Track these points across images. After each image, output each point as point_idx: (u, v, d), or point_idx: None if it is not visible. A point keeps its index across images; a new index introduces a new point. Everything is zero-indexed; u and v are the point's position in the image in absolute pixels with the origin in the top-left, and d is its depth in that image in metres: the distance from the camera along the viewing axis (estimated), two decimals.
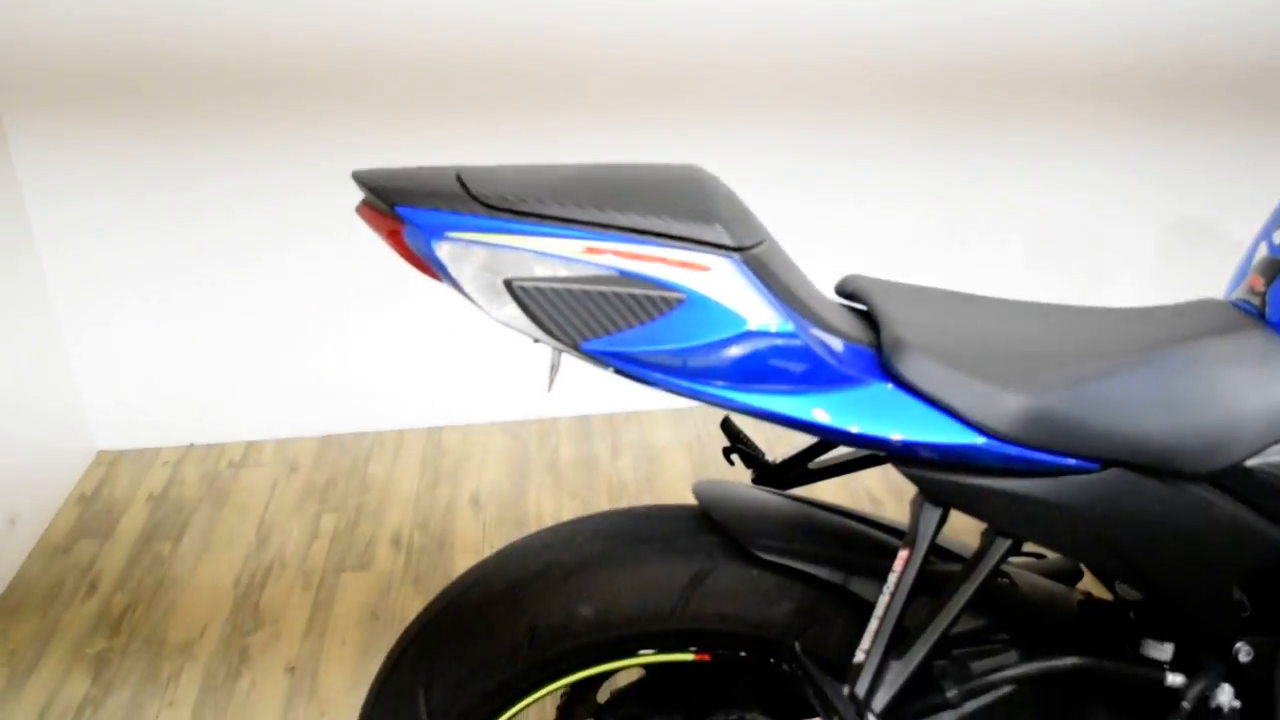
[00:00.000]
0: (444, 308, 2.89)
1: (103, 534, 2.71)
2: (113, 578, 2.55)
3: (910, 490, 1.14)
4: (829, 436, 1.02)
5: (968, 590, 1.09)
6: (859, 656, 1.07)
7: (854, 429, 1.00)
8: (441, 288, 2.81)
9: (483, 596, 1.22)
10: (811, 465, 1.37)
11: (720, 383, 0.97)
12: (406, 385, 2.98)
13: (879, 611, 1.08)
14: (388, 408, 3.00)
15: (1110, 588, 1.26)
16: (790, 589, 1.16)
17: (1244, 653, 1.14)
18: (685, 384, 0.97)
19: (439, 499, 2.75)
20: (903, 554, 1.09)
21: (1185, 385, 1.06)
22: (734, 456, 1.38)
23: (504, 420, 3.05)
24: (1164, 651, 1.18)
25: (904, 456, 1.07)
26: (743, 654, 1.18)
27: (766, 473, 1.34)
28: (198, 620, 2.39)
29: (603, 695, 1.40)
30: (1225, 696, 1.13)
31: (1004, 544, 1.10)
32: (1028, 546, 1.38)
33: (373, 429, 3.03)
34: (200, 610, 2.43)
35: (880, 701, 1.05)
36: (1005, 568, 1.27)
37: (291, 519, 2.71)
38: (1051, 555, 1.40)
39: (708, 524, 1.21)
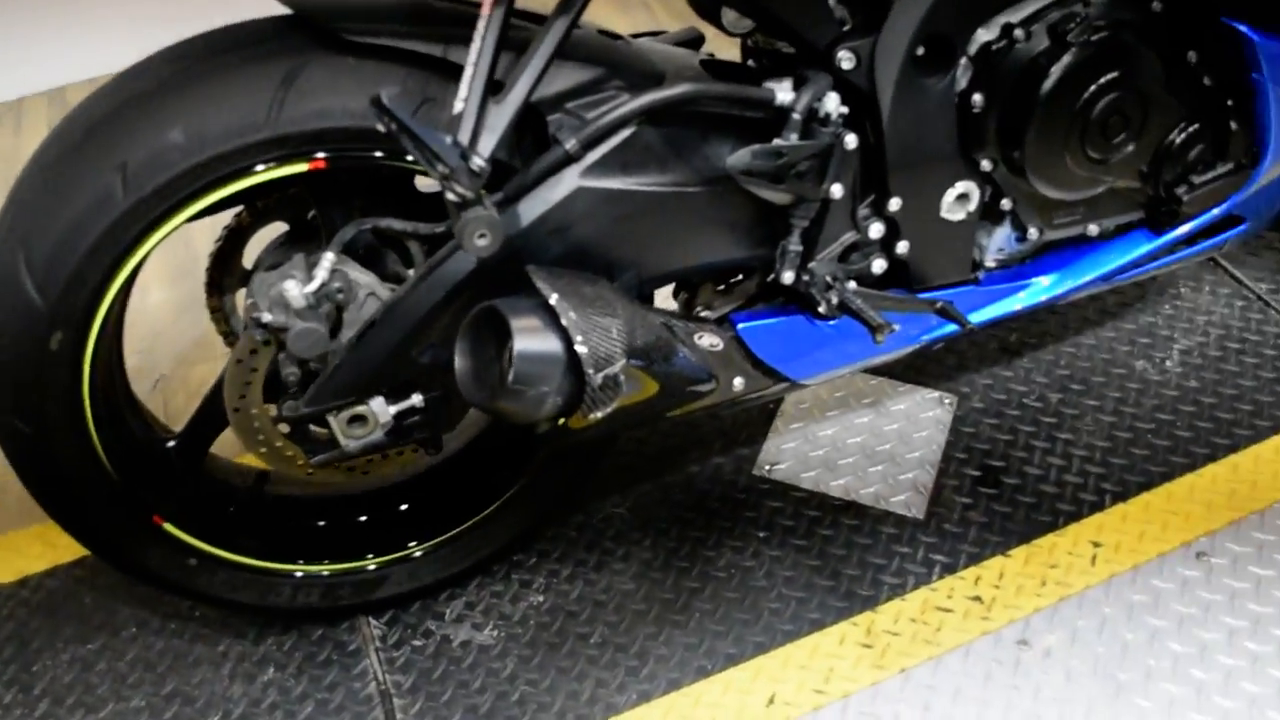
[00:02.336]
0: None
1: None
2: None
3: None
4: None
5: (561, 28, 1.06)
6: (457, 106, 1.03)
7: None
8: None
9: (63, 149, 1.10)
10: None
11: None
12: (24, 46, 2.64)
13: (471, 58, 1.03)
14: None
15: (717, 21, 1.25)
16: (391, 71, 1.10)
17: (846, 60, 1.16)
18: None
19: None
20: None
21: None
22: None
23: None
24: (783, 90, 1.19)
25: None
26: (360, 155, 1.13)
27: None
28: None
29: (249, 260, 1.33)
30: (832, 103, 1.16)
31: None
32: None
33: None
34: None
35: (486, 146, 1.02)
36: (621, 33, 1.25)
37: None
38: (671, 30, 1.39)
39: (292, 24, 1.11)
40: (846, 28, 1.18)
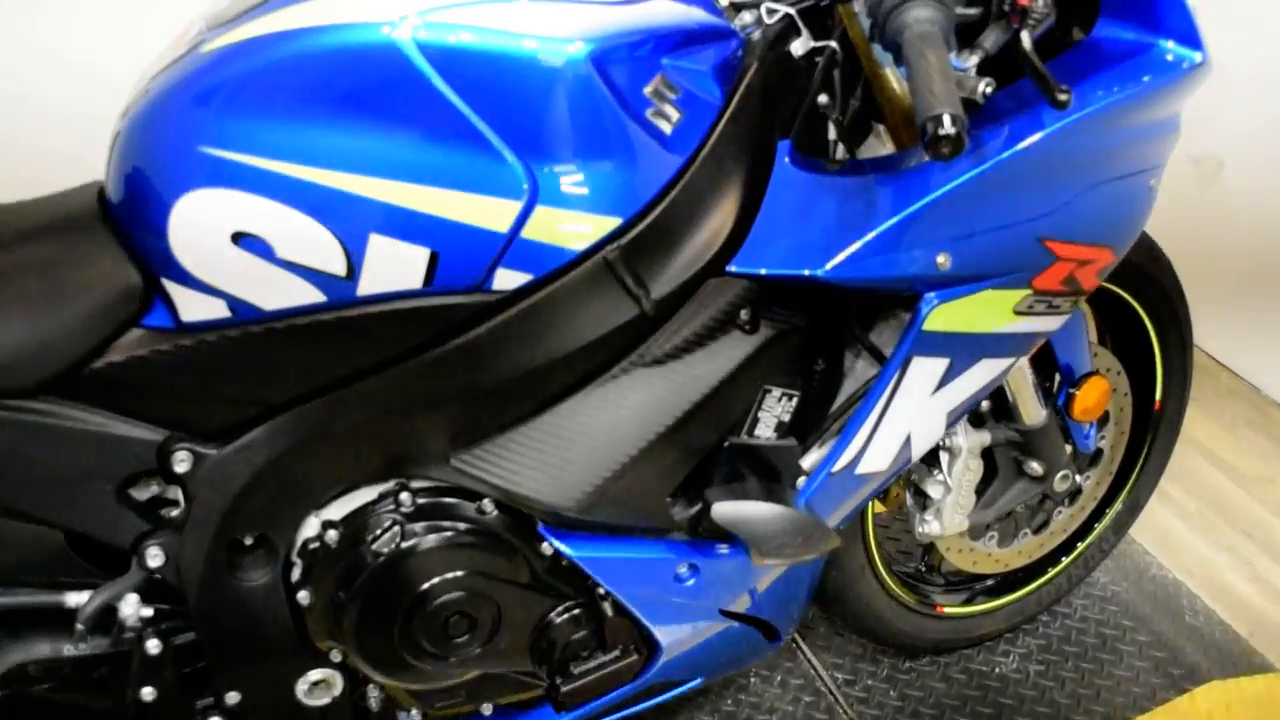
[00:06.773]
0: None
1: None
2: None
3: None
4: None
5: None
6: None
7: None
8: None
9: None
10: None
11: None
12: None
13: None
14: None
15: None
16: None
17: (155, 557, 1.08)
18: None
19: None
20: None
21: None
22: None
23: None
24: (76, 594, 1.10)
25: None
26: None
27: None
28: None
29: None
30: (130, 607, 1.08)
31: None
32: None
33: None
34: None
35: None
36: None
37: None
38: None
39: None
40: (171, 516, 1.10)
